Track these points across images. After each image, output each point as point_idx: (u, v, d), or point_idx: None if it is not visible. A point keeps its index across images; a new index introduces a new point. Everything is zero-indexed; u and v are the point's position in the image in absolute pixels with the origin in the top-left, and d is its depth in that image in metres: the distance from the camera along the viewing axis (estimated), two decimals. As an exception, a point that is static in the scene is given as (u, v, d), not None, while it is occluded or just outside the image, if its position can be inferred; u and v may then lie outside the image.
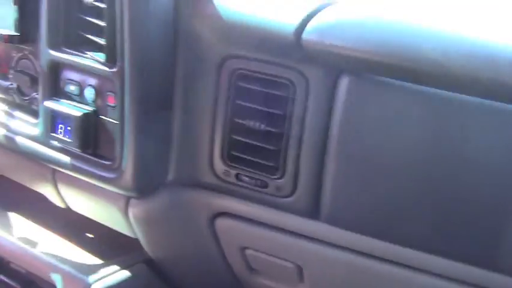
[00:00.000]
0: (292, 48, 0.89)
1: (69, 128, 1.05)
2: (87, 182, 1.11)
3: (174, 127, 1.02)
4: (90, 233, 1.30)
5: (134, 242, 1.19)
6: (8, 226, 1.31)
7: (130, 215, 1.10)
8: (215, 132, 0.99)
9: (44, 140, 1.11)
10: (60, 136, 1.06)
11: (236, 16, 0.94)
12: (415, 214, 0.89)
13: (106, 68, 0.99)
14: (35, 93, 1.14)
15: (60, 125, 1.06)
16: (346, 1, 0.91)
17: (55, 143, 1.09)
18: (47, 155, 1.12)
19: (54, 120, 1.07)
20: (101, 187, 1.09)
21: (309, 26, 0.87)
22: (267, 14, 0.92)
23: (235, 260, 1.14)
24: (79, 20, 1.03)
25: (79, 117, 1.03)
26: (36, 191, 1.29)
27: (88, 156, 1.06)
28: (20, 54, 1.15)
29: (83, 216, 1.25)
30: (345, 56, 0.85)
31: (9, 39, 1.10)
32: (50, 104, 1.07)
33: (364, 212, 0.93)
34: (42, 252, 1.23)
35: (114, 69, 0.98)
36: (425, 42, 0.80)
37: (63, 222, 1.30)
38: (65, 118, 1.05)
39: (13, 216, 1.35)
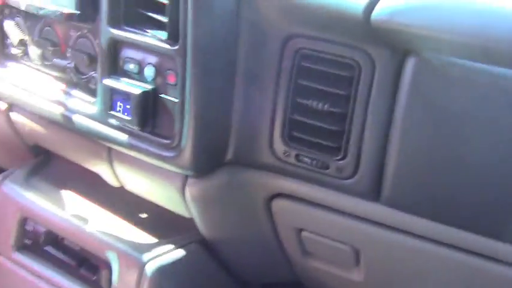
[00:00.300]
0: (360, 27, 0.88)
1: (127, 106, 1.05)
2: (143, 160, 1.11)
3: (235, 106, 1.01)
4: (145, 212, 1.31)
5: (188, 221, 1.20)
6: (62, 204, 1.32)
7: (187, 194, 1.11)
8: (276, 112, 0.99)
9: (101, 118, 1.11)
10: (119, 114, 1.06)
11: (301, -6, 0.93)
12: (479, 199, 0.88)
13: (167, 46, 0.99)
14: (92, 72, 1.14)
15: (118, 103, 1.06)
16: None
17: (113, 121, 1.09)
18: (104, 133, 1.12)
19: (112, 98, 1.07)
20: (157, 166, 1.10)
21: (379, 5, 0.86)
22: (332, -7, 0.91)
23: (289, 242, 1.14)
24: (140, -2, 1.03)
25: (138, 95, 1.02)
26: (90, 170, 1.30)
27: (146, 134, 1.06)
28: (78, 33, 1.15)
29: (137, 195, 1.26)
30: (415, 35, 0.83)
31: (69, 17, 1.11)
32: (108, 82, 1.07)
33: (426, 195, 0.91)
34: (97, 230, 1.24)
35: (176, 47, 0.97)
36: (498, 21, 0.79)
37: (118, 201, 1.31)
38: (123, 96, 1.05)
39: (68, 194, 1.36)
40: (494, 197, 0.87)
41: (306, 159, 0.99)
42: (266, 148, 1.01)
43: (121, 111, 1.06)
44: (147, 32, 1.03)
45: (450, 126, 0.87)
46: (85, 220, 1.27)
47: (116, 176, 1.24)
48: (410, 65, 0.88)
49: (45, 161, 1.44)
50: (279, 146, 1.00)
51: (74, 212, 1.30)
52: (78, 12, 1.09)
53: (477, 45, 0.81)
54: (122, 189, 1.28)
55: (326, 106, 0.94)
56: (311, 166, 0.98)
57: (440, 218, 0.92)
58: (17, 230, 1.35)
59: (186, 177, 1.10)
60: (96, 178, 1.30)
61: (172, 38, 0.98)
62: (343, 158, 0.95)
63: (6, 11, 1.25)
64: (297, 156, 0.99)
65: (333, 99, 0.94)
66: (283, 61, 0.96)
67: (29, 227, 1.35)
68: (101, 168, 1.26)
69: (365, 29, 0.88)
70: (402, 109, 0.89)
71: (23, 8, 1.18)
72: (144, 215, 1.30)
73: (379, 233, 0.99)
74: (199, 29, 0.95)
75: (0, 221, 1.38)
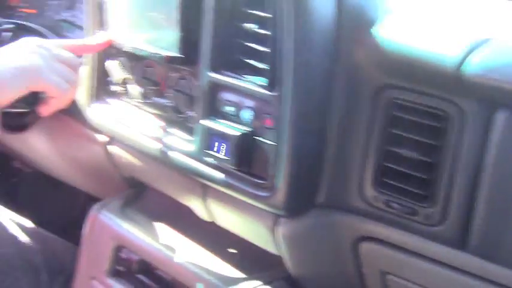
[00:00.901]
0: (451, 80, 0.91)
1: (225, 146, 1.10)
2: (236, 198, 1.16)
3: (328, 151, 1.05)
4: (233, 247, 1.35)
5: (275, 258, 1.23)
6: (156, 234, 1.39)
7: (278, 233, 1.15)
8: (367, 159, 1.03)
9: (198, 156, 1.17)
10: (216, 153, 1.11)
11: (395, 46, 0.97)
12: None
13: (266, 92, 1.04)
14: (190, 112, 1.20)
15: (216, 143, 1.11)
16: (503, 36, 0.93)
17: (209, 159, 1.14)
18: (200, 170, 1.17)
19: (210, 138, 1.12)
20: (249, 204, 1.14)
21: (470, 60, 0.89)
22: (426, 46, 0.94)
23: (373, 285, 1.16)
24: (240, 45, 1.09)
25: (238, 136, 1.07)
26: (183, 204, 1.36)
27: (242, 174, 1.10)
28: (178, 75, 1.21)
29: (226, 230, 1.31)
30: (508, 92, 0.86)
31: (171, 60, 1.18)
32: (207, 122, 1.13)
33: (514, 245, 0.93)
34: (187, 262, 1.30)
35: (275, 93, 1.03)
36: None
37: (208, 235, 1.36)
38: (221, 136, 1.10)
39: (161, 226, 1.42)
40: None
41: (394, 205, 1.02)
42: (356, 192, 1.05)
43: (218, 150, 1.11)
44: (245, 77, 1.09)
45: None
46: (176, 251, 1.33)
47: (209, 211, 1.29)
48: (501, 117, 0.90)
49: (139, 193, 1.51)
50: (369, 191, 1.04)
51: (166, 243, 1.36)
52: (181, 56, 1.16)
53: None
54: (212, 224, 1.33)
55: (417, 155, 0.98)
56: (399, 212, 1.01)
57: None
58: (112, 257, 1.42)
59: (278, 216, 1.14)
60: (187, 212, 1.35)
61: (271, 85, 1.03)
62: (431, 206, 0.98)
63: (112, 51, 1.33)
64: (386, 201, 1.02)
65: (423, 148, 0.97)
66: (376, 110, 1.00)
67: (123, 255, 1.42)
68: (193, 203, 1.32)
69: (456, 82, 0.91)
70: (492, 160, 0.92)
71: (128, 49, 1.25)
72: (233, 250, 1.35)
73: (465, 281, 1.00)
74: (297, 77, 1.00)
75: (97, 247, 1.45)
